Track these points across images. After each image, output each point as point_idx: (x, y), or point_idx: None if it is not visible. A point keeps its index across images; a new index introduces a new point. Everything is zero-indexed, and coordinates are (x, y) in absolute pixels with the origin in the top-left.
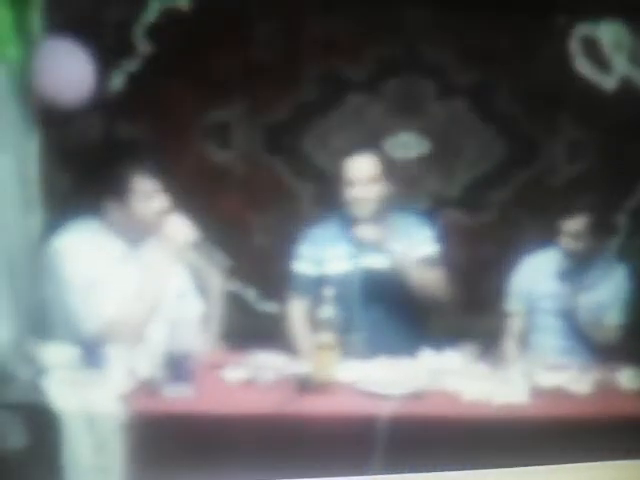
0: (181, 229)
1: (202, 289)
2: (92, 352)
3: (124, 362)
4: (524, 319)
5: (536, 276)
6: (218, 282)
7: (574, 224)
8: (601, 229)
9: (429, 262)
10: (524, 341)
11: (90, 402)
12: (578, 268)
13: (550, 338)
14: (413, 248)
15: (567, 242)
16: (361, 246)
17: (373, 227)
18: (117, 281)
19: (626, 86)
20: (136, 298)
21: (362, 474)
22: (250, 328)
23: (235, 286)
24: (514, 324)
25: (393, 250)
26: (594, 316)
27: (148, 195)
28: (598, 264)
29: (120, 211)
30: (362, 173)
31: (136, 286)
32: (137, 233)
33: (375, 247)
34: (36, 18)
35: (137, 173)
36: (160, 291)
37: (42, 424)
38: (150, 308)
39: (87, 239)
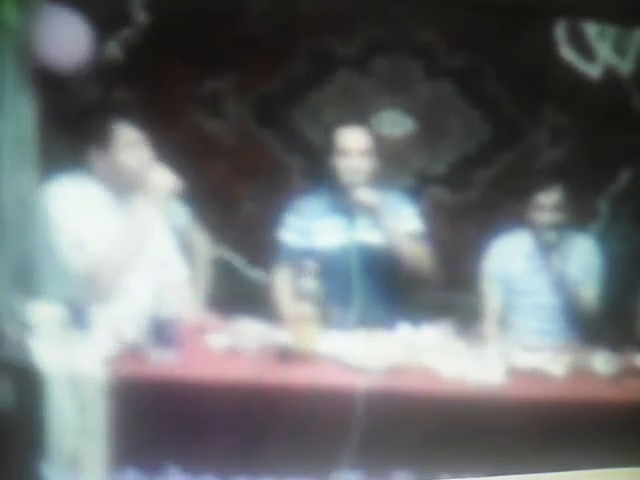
0: (165, 178)
1: (189, 254)
2: (79, 313)
3: (110, 325)
4: (501, 300)
5: (510, 257)
6: (205, 248)
7: (549, 198)
8: (579, 210)
9: (413, 238)
10: (503, 321)
11: (75, 363)
12: (553, 243)
13: (528, 319)
14: (398, 223)
15: (541, 216)
16: (353, 217)
17: (370, 192)
18: (103, 230)
19: (610, 74)
20: (119, 243)
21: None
22: (236, 295)
23: (222, 252)
24: (491, 304)
25: (386, 219)
26: (571, 288)
27: (132, 145)
28: (573, 241)
29: (106, 161)
30: (356, 144)
31: (120, 232)
32: (122, 184)
33: (371, 213)
34: None
35: (122, 124)
36: (142, 239)
37: (27, 383)
38: (132, 254)
39: (74, 191)
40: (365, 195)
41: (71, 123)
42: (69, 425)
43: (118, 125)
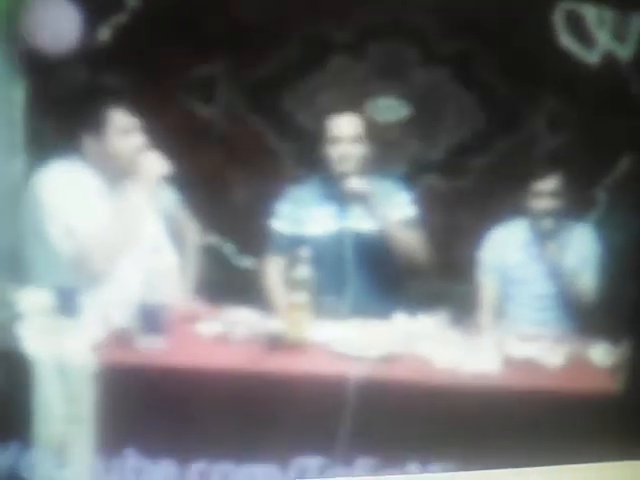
0: (156, 163)
1: (179, 241)
2: (68, 299)
3: (99, 311)
4: (497, 289)
5: (507, 246)
6: (195, 235)
7: (547, 184)
8: (577, 199)
9: (407, 225)
10: (499, 311)
11: (63, 350)
12: (550, 231)
13: (524, 309)
14: (392, 211)
15: (538, 204)
16: (345, 205)
17: (362, 180)
18: (93, 215)
19: (608, 61)
20: (110, 228)
21: (330, 435)
22: (226, 283)
23: (213, 240)
24: (487, 294)
25: (379, 208)
26: (568, 278)
27: (125, 130)
28: (570, 229)
29: (97, 146)
30: (347, 131)
31: (111, 218)
32: (115, 170)
33: (362, 202)
34: None
35: (115, 109)
36: (134, 224)
37: (15, 369)
38: (123, 239)
39: (65, 176)
40: (357, 184)
41: (61, 108)
42: (56, 411)
43: (110, 110)
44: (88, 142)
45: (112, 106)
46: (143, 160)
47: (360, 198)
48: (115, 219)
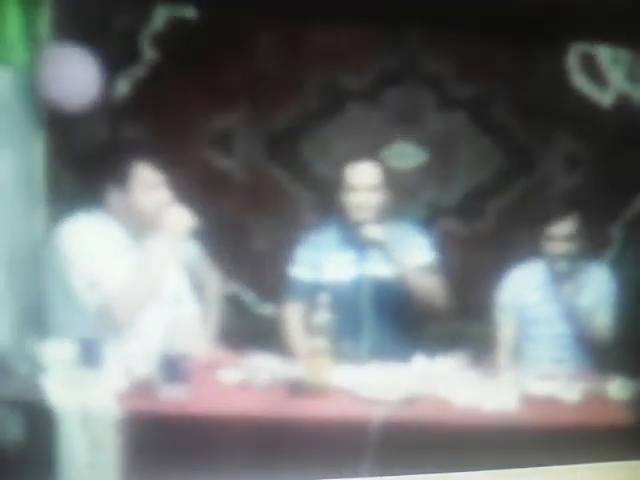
0: (181, 218)
1: (200, 291)
2: (91, 350)
3: (121, 361)
4: (515, 330)
5: (524, 287)
6: (216, 285)
7: (562, 228)
8: (593, 238)
9: (426, 270)
10: (516, 351)
11: (86, 400)
12: (566, 272)
13: (542, 348)
14: (410, 256)
15: (554, 246)
16: (363, 251)
17: (379, 227)
18: (117, 268)
19: (622, 102)
20: (134, 280)
21: (353, 478)
22: (247, 330)
23: (233, 289)
24: (505, 334)
25: (396, 254)
26: (585, 317)
27: (150, 186)
28: (586, 269)
29: (122, 201)
30: (365, 179)
31: (135, 270)
32: (139, 224)
33: (379, 248)
34: (45, 24)
35: (140, 164)
36: (158, 277)
37: (39, 420)
38: (147, 292)
39: (90, 229)
40: (373, 232)
41: (82, 162)
42: (80, 461)
43: (134, 164)
44: (112, 196)
45: (134, 160)
46: (168, 215)
47: (377, 244)
48: (138, 272)
